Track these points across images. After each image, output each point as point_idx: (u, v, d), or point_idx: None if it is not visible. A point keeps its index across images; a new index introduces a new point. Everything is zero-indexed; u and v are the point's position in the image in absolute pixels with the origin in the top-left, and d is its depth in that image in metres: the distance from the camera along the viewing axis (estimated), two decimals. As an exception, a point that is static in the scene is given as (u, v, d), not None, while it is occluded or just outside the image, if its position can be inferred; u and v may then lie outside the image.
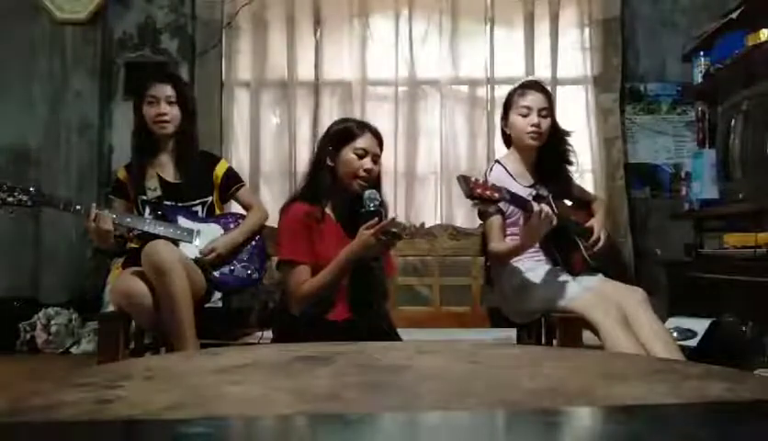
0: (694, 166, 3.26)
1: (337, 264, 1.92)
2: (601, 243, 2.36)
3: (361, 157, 2.01)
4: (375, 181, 2.04)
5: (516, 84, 2.44)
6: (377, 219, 1.89)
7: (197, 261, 2.26)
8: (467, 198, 2.03)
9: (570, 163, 2.44)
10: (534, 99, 2.32)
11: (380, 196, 1.98)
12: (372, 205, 1.92)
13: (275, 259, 2.75)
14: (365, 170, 2.00)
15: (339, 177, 2.02)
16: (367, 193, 1.95)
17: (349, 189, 2.02)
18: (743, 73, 2.99)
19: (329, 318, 1.96)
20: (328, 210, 2.04)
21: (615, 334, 2.01)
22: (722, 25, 3.17)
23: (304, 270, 1.95)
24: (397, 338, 1.96)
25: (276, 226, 2.75)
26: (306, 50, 3.71)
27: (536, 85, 2.39)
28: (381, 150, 2.10)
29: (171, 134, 2.38)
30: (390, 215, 2.01)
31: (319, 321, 1.94)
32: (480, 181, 2.04)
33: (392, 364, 1.06)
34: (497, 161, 2.44)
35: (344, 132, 2.05)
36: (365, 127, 2.07)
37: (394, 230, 1.91)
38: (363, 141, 2.03)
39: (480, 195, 2.01)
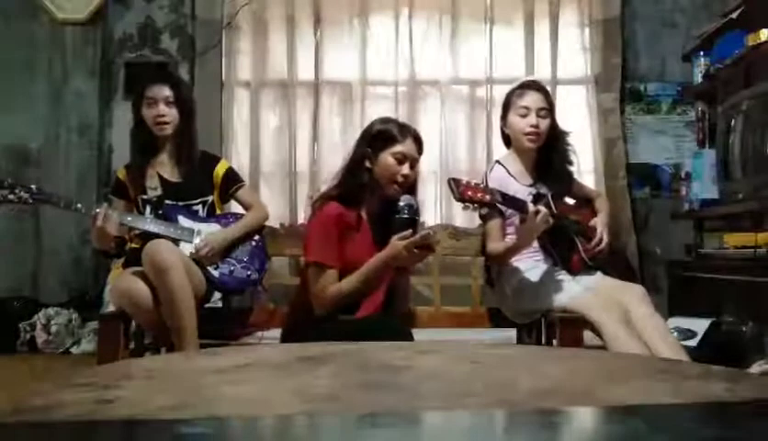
0: (694, 166, 3.26)
1: (367, 271, 1.89)
2: (603, 244, 2.35)
3: (400, 162, 1.97)
4: (411, 186, 2.01)
5: (515, 85, 2.44)
6: (410, 230, 1.86)
7: (192, 256, 2.26)
8: (456, 202, 2.01)
9: (571, 163, 2.44)
10: (532, 99, 2.32)
11: (416, 202, 1.94)
12: (407, 212, 1.88)
13: (275, 259, 2.77)
14: (402, 175, 1.97)
15: (375, 179, 1.98)
16: (402, 200, 1.91)
17: (385, 193, 1.98)
18: (743, 73, 2.98)
19: (344, 317, 1.95)
20: (363, 215, 2.00)
21: (618, 334, 2.00)
22: (722, 25, 3.17)
23: (332, 274, 1.92)
24: (410, 338, 1.92)
25: (276, 226, 2.77)
26: (306, 50, 3.70)
27: (534, 85, 2.38)
28: (421, 154, 2.06)
29: (170, 135, 2.38)
30: (424, 223, 1.98)
31: (332, 320, 1.93)
32: (472, 183, 2.02)
33: (392, 364, 1.06)
34: (497, 161, 2.44)
35: (385, 135, 2.00)
36: (407, 131, 2.03)
37: (427, 242, 1.89)
38: (403, 146, 1.98)
39: (471, 198, 1.98)
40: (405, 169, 1.98)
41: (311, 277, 1.95)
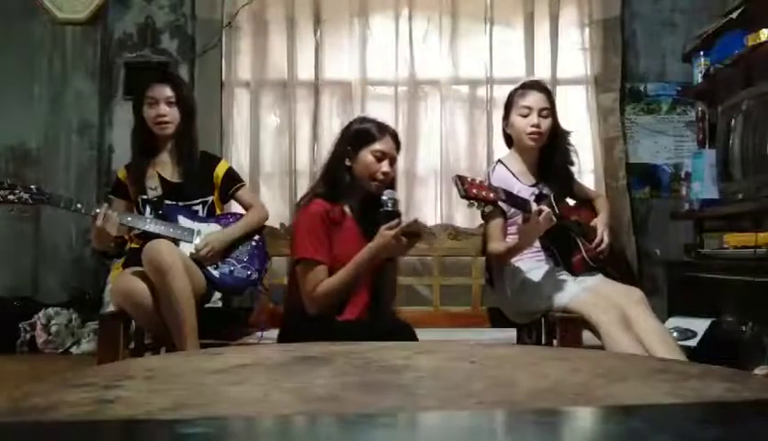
0: (694, 166, 3.26)
1: (355, 264, 1.92)
2: (604, 245, 2.35)
3: (379, 160, 2.01)
4: (390, 182, 2.05)
5: (517, 84, 2.44)
6: (397, 220, 1.91)
7: (192, 256, 2.26)
8: (462, 199, 2.03)
9: (572, 163, 2.44)
10: (534, 99, 2.32)
11: (397, 197, 1.99)
12: (391, 205, 1.94)
13: (275, 259, 2.77)
14: (382, 172, 2.01)
15: (356, 177, 2.02)
16: (385, 194, 1.96)
17: (366, 189, 2.02)
18: (743, 73, 2.98)
19: (339, 318, 1.95)
20: (347, 210, 2.04)
21: (615, 334, 2.01)
22: (722, 25, 3.16)
23: (322, 270, 1.94)
24: (412, 336, 1.93)
25: (276, 226, 2.77)
26: (306, 50, 3.70)
27: (536, 85, 2.39)
28: (398, 152, 2.10)
29: (171, 135, 2.38)
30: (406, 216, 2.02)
31: (328, 320, 1.93)
32: (477, 181, 2.04)
33: (392, 364, 1.06)
34: (499, 160, 2.44)
35: (364, 133, 2.05)
36: (384, 129, 2.07)
37: (415, 230, 1.92)
38: (382, 144, 2.03)
39: (476, 195, 2.01)
40: (385, 166, 2.02)
41: (301, 275, 1.96)
